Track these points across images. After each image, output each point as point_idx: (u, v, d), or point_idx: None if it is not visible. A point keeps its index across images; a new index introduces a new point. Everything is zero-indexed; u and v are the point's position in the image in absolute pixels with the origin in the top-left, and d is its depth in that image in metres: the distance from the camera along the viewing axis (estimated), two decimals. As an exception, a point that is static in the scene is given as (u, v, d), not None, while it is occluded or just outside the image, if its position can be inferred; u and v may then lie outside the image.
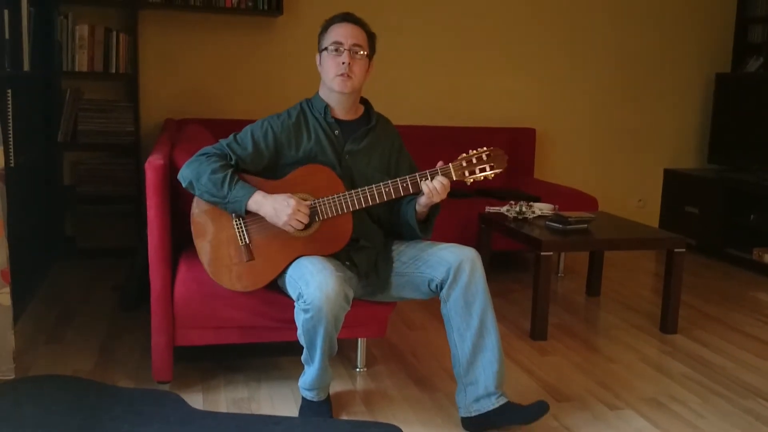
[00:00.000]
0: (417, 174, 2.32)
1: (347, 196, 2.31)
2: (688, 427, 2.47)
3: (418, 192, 2.34)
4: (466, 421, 2.37)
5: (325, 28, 2.46)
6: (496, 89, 4.96)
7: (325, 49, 2.41)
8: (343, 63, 2.36)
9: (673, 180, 5.31)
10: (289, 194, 2.30)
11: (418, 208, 2.40)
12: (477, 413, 2.34)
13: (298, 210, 2.26)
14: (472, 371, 2.34)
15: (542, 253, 3.19)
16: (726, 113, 5.19)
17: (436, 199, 2.32)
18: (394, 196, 2.32)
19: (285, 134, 2.42)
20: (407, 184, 2.31)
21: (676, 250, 3.37)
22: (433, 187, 2.29)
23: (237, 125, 3.04)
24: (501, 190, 4.39)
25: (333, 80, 2.40)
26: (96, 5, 4.12)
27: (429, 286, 2.39)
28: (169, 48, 4.34)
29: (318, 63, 2.48)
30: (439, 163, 2.33)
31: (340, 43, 2.38)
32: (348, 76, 2.38)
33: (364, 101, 2.57)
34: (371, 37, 2.47)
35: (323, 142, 2.43)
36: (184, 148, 2.70)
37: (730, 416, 2.56)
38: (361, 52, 2.40)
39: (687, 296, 3.93)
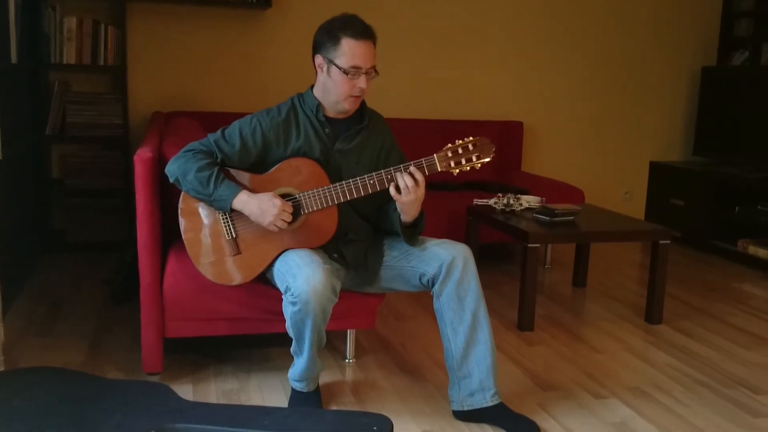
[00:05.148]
0: (401, 165, 2.28)
1: (331, 189, 2.30)
2: (671, 415, 2.51)
3: None
4: (458, 414, 2.40)
5: (337, 37, 2.28)
6: (483, 83, 4.98)
7: (339, 68, 2.28)
8: (360, 87, 2.30)
9: (658, 172, 5.35)
10: (274, 193, 2.28)
11: (401, 214, 2.35)
12: (470, 408, 2.37)
13: (284, 210, 2.26)
14: (465, 365, 2.36)
15: (529, 245, 3.22)
16: (711, 106, 5.23)
17: (410, 197, 2.24)
18: (378, 188, 2.29)
19: (273, 132, 2.38)
20: (392, 176, 2.27)
21: (661, 241, 3.41)
22: (404, 185, 2.23)
23: (225, 118, 3.05)
24: (489, 182, 4.42)
25: (345, 100, 2.33)
26: (83, -3, 4.12)
27: (420, 280, 2.41)
28: (158, 40, 4.33)
29: (322, 70, 2.34)
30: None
31: (360, 68, 2.28)
32: (359, 96, 2.34)
33: None
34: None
35: (312, 140, 2.39)
36: (172, 141, 2.70)
37: (714, 405, 2.60)
38: (374, 72, 2.33)
39: (672, 287, 3.97)
